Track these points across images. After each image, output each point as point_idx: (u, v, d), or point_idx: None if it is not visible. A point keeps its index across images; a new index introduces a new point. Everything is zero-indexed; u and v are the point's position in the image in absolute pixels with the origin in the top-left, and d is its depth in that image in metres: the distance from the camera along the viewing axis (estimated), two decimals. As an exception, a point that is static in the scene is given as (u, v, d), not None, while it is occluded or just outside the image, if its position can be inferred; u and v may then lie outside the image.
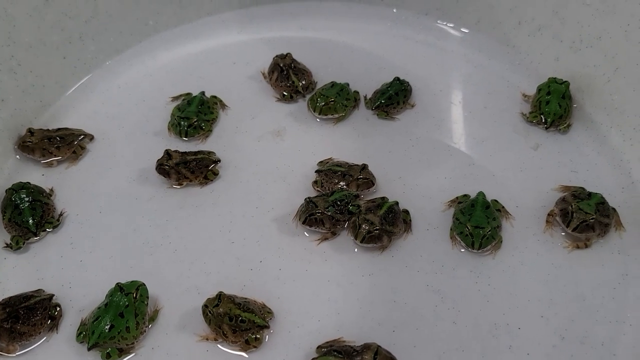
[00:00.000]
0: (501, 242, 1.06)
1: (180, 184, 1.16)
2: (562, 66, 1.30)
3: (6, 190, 1.11)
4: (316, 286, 1.03)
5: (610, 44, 1.20)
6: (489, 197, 1.10)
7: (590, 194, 1.08)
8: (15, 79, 1.21)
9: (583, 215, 1.03)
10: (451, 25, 1.46)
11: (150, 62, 1.42)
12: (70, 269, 1.06)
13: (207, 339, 0.96)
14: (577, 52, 1.27)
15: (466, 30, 1.44)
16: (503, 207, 1.11)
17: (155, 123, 1.29)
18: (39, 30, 1.25)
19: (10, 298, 0.97)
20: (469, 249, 1.05)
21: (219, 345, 0.96)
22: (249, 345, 0.94)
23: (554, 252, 1.05)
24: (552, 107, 1.22)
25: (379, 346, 0.88)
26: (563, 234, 1.07)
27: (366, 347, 0.88)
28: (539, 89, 1.27)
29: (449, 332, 0.97)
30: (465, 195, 1.12)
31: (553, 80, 1.26)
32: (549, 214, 1.09)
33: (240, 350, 0.95)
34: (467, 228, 1.04)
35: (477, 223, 1.04)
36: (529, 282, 1.02)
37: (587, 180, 1.15)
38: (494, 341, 0.95)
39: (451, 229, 1.08)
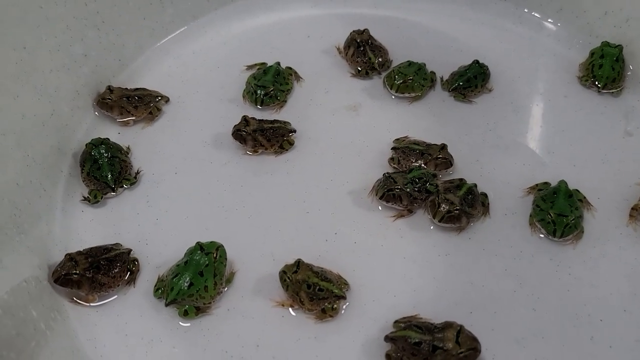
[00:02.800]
0: (583, 232, 1.04)
1: (255, 151, 1.16)
2: (649, 59, 1.26)
3: (86, 145, 1.12)
4: (392, 262, 1.02)
5: None
6: (569, 187, 1.08)
7: (679, 190, 1.04)
8: (99, 35, 1.22)
9: (672, 211, 1.00)
10: (532, 12, 1.42)
11: (225, 30, 1.41)
12: (147, 226, 1.06)
13: (282, 305, 0.96)
14: (668, 46, 1.23)
15: (547, 18, 1.40)
16: (585, 197, 1.08)
17: (230, 90, 1.28)
18: (124, -12, 1.26)
19: (91, 249, 0.98)
20: (550, 237, 1.02)
21: (292, 312, 0.96)
22: (325, 314, 0.94)
23: (637, 247, 1.02)
24: (605, 70, 1.22)
25: (461, 325, 0.87)
26: (647, 229, 1.04)
27: (448, 325, 0.87)
28: (592, 53, 1.28)
29: (528, 318, 0.95)
30: (545, 183, 1.10)
31: (606, 44, 1.27)
32: (632, 208, 1.06)
33: (316, 319, 0.94)
34: (550, 215, 1.02)
35: (560, 211, 1.02)
36: (611, 275, 0.99)
37: (672, 177, 1.11)
38: (574, 331, 0.93)
39: (531, 216, 1.06)
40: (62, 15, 1.14)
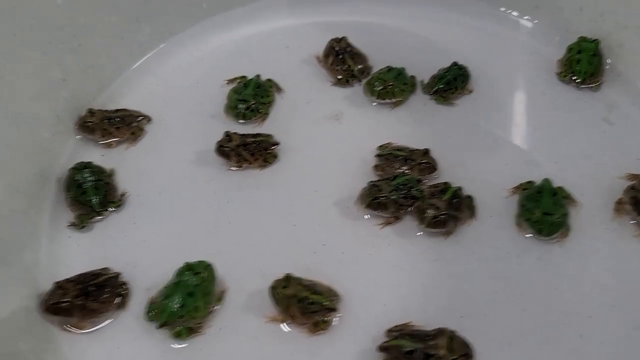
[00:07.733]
0: (569, 229, 1.04)
1: (239, 166, 1.16)
2: (625, 53, 1.27)
3: (69, 170, 1.11)
4: (380, 270, 1.02)
5: (680, 30, 1.17)
6: (554, 185, 1.08)
7: (661, 183, 1.05)
8: (76, 58, 1.22)
9: (655, 204, 1.01)
10: (508, 11, 1.43)
11: (203, 45, 1.41)
12: (134, 248, 1.06)
13: (274, 320, 0.96)
14: (643, 38, 1.24)
15: (524, 16, 1.42)
16: (569, 194, 1.09)
17: (210, 106, 1.28)
18: (99, 11, 1.25)
19: (79, 275, 0.98)
20: (537, 236, 1.03)
21: (285, 327, 0.96)
22: (317, 327, 0.94)
23: (623, 242, 1.03)
24: (583, 65, 1.23)
25: (454, 331, 0.87)
26: (632, 222, 1.05)
27: (440, 331, 0.87)
28: (569, 49, 1.29)
29: (519, 319, 0.95)
30: (529, 182, 1.10)
31: (583, 39, 1.28)
32: (617, 202, 1.07)
33: (308, 333, 0.94)
34: (536, 215, 1.02)
35: (546, 210, 1.02)
36: (598, 271, 1.00)
37: (654, 168, 1.12)
38: (564, 329, 0.94)
39: (516, 216, 1.06)
40: (37, 41, 1.13)
